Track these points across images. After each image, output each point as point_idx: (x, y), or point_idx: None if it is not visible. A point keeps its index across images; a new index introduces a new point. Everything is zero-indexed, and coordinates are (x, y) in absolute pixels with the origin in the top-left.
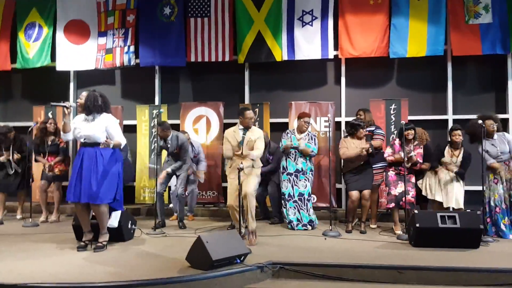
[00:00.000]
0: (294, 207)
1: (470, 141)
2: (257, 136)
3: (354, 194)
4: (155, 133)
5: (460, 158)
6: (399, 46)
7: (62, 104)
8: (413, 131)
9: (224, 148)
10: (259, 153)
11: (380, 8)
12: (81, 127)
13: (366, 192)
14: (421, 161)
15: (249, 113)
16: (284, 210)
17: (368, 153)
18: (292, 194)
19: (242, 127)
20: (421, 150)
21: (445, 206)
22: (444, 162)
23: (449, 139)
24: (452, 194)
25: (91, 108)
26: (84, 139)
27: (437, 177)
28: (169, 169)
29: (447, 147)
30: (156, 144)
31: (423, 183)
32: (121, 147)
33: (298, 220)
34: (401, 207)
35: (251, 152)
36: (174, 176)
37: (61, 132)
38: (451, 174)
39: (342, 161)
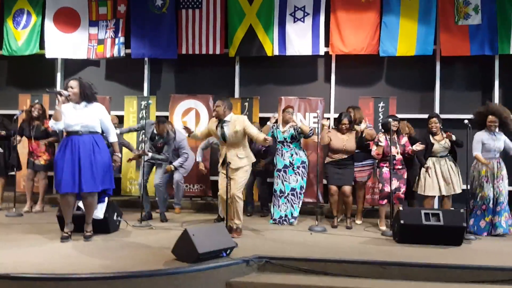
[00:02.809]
0: (286, 203)
1: (472, 127)
2: (243, 126)
3: (333, 188)
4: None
5: (446, 141)
6: (389, 45)
7: (57, 91)
8: (397, 123)
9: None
10: (258, 133)
11: (371, 6)
12: (73, 116)
13: (347, 188)
14: (411, 148)
15: (216, 103)
16: (274, 207)
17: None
18: (283, 190)
19: (216, 119)
20: (406, 139)
21: (443, 194)
22: (435, 149)
23: (428, 130)
24: (450, 182)
25: (88, 96)
26: (80, 127)
27: (434, 172)
28: (150, 155)
29: (430, 136)
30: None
31: (419, 182)
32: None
33: (291, 215)
34: (393, 203)
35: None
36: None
37: (52, 121)
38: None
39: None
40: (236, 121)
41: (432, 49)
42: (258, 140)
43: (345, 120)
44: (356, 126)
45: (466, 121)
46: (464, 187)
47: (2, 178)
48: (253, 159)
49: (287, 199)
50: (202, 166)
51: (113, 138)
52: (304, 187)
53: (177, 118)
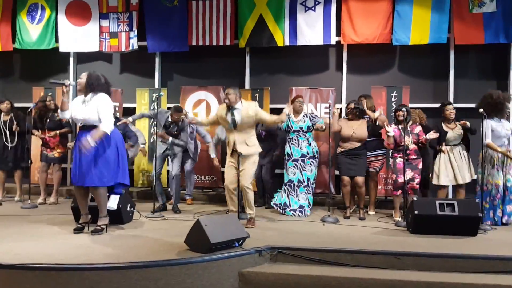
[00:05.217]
0: (306, 192)
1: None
2: (255, 111)
3: (346, 178)
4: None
5: (458, 128)
6: (402, 33)
7: (60, 82)
8: (405, 112)
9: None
10: (270, 116)
11: None
12: (77, 110)
13: (359, 179)
14: (425, 137)
15: (226, 91)
16: (291, 197)
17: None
18: (302, 179)
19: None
20: (420, 127)
21: (457, 183)
22: (449, 137)
23: (445, 117)
24: (463, 171)
25: (94, 87)
26: (81, 123)
27: (448, 161)
28: (170, 140)
29: (442, 124)
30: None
31: (433, 172)
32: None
33: (308, 205)
34: (407, 194)
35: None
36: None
37: (59, 110)
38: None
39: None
40: (249, 108)
41: (446, 38)
42: (272, 121)
43: (351, 105)
44: (369, 112)
45: (481, 110)
46: (475, 177)
47: (18, 171)
48: (260, 149)
49: (306, 189)
50: (217, 162)
51: (102, 126)
52: (315, 177)
53: (188, 110)
